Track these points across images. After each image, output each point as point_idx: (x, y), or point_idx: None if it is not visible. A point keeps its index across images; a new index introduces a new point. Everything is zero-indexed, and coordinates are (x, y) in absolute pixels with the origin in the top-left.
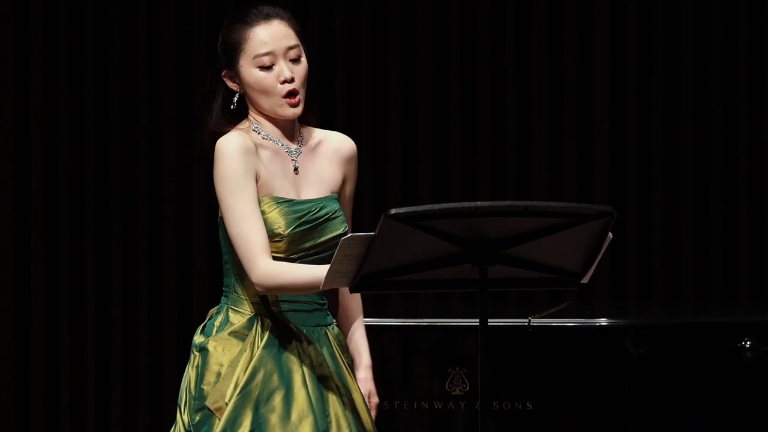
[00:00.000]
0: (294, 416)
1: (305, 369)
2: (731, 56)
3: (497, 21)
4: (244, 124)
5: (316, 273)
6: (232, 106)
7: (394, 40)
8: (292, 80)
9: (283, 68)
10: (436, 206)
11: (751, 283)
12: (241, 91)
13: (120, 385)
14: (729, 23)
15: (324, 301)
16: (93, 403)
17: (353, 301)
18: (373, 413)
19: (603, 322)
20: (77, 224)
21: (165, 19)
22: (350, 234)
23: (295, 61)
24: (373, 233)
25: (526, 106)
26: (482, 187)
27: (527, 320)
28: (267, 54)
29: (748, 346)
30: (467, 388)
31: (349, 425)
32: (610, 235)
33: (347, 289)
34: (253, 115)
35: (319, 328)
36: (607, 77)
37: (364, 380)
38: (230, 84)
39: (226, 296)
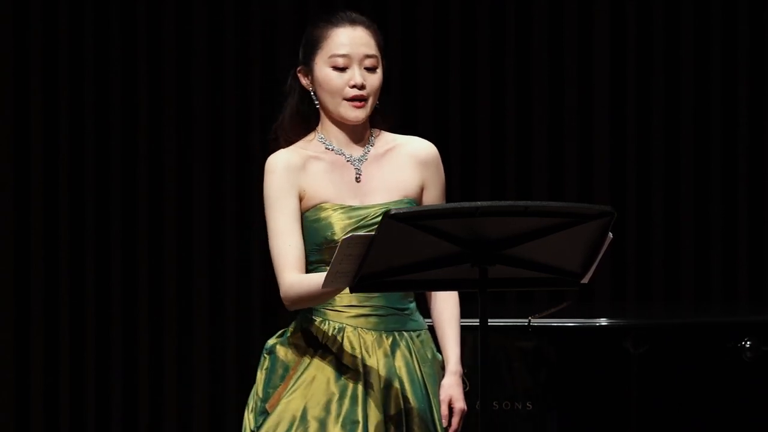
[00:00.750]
0: (343, 423)
1: (369, 374)
2: (731, 56)
3: (497, 21)
4: (310, 136)
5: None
6: (316, 106)
7: (394, 40)
8: (362, 87)
9: (356, 73)
10: (436, 206)
11: (751, 283)
12: (312, 90)
13: (120, 385)
14: (729, 23)
15: (405, 306)
16: (93, 403)
17: (444, 306)
18: (455, 419)
19: (603, 322)
20: (77, 224)
21: (165, 19)
22: (350, 234)
23: (370, 70)
24: (373, 233)
25: (526, 106)
26: (482, 187)
27: (527, 320)
28: (343, 56)
29: (748, 346)
30: (467, 388)
31: (413, 427)
32: (611, 235)
33: (438, 293)
34: (321, 120)
35: (397, 333)
36: (607, 77)
37: (446, 386)
38: (303, 80)
39: None
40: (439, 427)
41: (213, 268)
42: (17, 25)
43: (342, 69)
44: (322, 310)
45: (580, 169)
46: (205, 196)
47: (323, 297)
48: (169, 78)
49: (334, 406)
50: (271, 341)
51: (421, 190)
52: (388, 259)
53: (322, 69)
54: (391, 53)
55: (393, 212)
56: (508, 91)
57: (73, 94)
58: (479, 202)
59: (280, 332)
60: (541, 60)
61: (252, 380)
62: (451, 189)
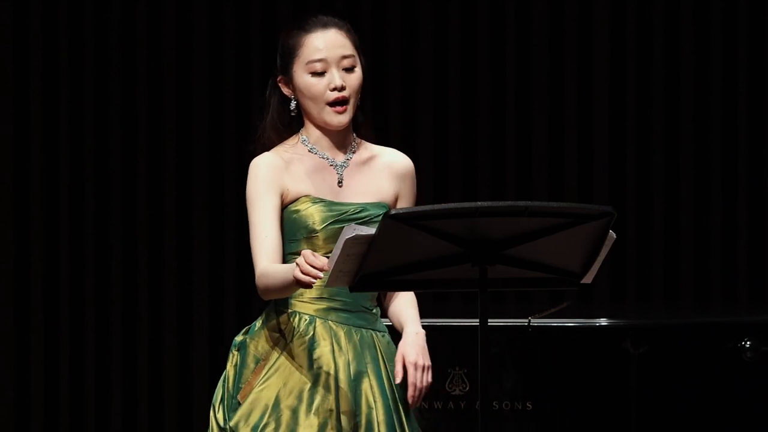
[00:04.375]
0: (315, 412)
1: (340, 365)
2: (731, 56)
3: (497, 21)
4: (294, 139)
5: (290, 271)
6: (292, 113)
7: (394, 40)
8: (342, 89)
9: (335, 76)
10: (436, 206)
11: (751, 283)
12: (294, 97)
13: (120, 385)
14: (729, 23)
15: (372, 307)
16: (93, 403)
17: (402, 296)
18: (411, 372)
19: (603, 322)
20: (77, 224)
21: (165, 19)
22: (354, 234)
23: (349, 70)
24: (374, 233)
25: (526, 106)
26: (482, 187)
27: (527, 320)
28: (320, 61)
29: (748, 346)
30: (467, 388)
31: (380, 424)
32: (614, 235)
33: (394, 296)
34: (305, 124)
35: (365, 330)
36: (607, 77)
37: (401, 345)
38: (284, 89)
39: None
40: (406, 426)
41: (212, 267)
42: (17, 26)
43: (321, 74)
44: (291, 301)
45: (580, 169)
46: (206, 196)
47: (292, 288)
48: (168, 78)
49: (306, 395)
50: (239, 338)
51: (396, 200)
52: (388, 259)
53: (302, 76)
54: (391, 53)
55: (393, 212)
56: (508, 91)
57: (73, 94)
58: (479, 202)
59: (246, 328)
60: (541, 60)
61: None
62: (450, 189)
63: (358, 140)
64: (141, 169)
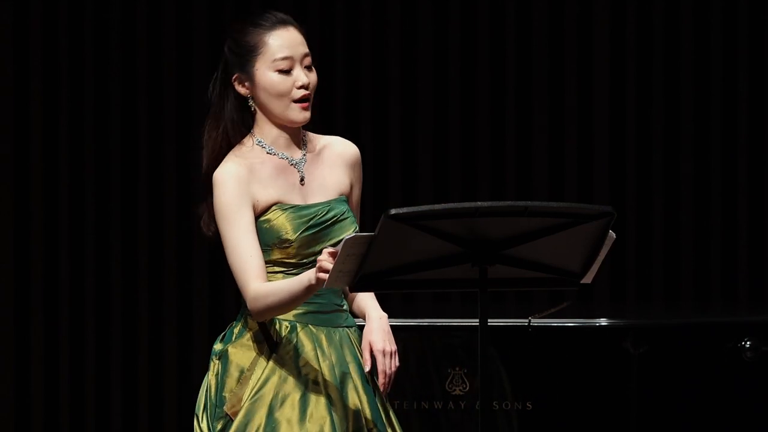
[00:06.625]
0: (309, 419)
1: (324, 370)
2: (731, 57)
3: (497, 21)
4: (248, 142)
5: (300, 282)
6: (252, 109)
7: (394, 40)
8: (307, 86)
9: (300, 74)
10: (437, 206)
11: (751, 283)
12: (251, 95)
13: (120, 385)
14: (729, 23)
15: (342, 303)
16: (93, 403)
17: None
18: (380, 359)
19: (603, 322)
20: (77, 224)
21: (165, 19)
22: (354, 233)
23: (309, 68)
24: (374, 233)
25: (526, 106)
26: (482, 187)
27: (527, 320)
28: (286, 59)
29: (748, 346)
30: (467, 388)
31: (368, 422)
32: (613, 234)
33: None
34: (259, 124)
35: (341, 329)
36: (607, 77)
37: (366, 332)
38: (239, 88)
39: (245, 305)
40: (394, 419)
41: (212, 267)
42: (17, 26)
43: (287, 71)
44: None
45: (580, 169)
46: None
47: (292, 305)
48: (168, 78)
49: (298, 404)
50: (218, 346)
51: (350, 188)
52: (388, 258)
53: (266, 74)
54: (391, 53)
55: (393, 212)
56: (508, 92)
57: (73, 94)
58: (479, 202)
59: (222, 336)
60: (541, 60)
61: None
62: (450, 189)
63: (304, 132)
64: (141, 169)
